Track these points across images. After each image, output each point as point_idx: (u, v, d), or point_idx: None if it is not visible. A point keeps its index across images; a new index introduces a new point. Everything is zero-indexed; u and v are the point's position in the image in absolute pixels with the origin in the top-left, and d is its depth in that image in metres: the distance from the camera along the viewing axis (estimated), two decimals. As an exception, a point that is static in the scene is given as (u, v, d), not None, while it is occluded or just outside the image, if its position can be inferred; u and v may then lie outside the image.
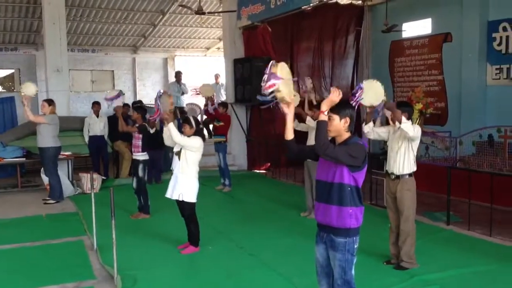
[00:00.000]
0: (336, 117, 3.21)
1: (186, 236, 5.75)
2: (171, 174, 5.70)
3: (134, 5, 14.08)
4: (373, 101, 4.82)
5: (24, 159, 9.35)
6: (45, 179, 8.62)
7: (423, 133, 5.50)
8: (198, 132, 5.60)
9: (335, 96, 3.17)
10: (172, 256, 5.57)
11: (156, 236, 6.30)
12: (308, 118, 6.92)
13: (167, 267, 5.23)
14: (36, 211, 7.76)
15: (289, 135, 3.25)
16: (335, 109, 3.22)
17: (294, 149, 3.33)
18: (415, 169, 5.02)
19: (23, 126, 10.30)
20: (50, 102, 8.33)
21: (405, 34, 11.29)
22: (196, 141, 5.50)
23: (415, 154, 5.05)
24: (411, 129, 4.80)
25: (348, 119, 3.22)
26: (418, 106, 8.99)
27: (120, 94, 7.76)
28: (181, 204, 5.61)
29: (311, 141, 6.88)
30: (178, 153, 5.55)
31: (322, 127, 3.12)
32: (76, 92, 16.84)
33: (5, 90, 16.56)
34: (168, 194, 5.64)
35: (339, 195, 3.15)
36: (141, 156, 7.15)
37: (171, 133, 5.44)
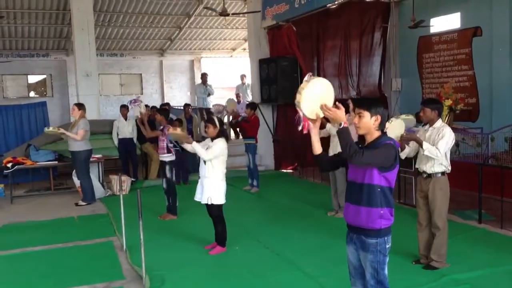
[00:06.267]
0: (367, 114, 3.12)
1: (213, 237, 5.79)
2: (199, 176, 5.74)
3: (160, 9, 14.28)
4: (399, 132, 4.83)
5: (57, 162, 9.56)
6: (77, 181, 8.81)
7: (454, 129, 5.37)
8: (222, 132, 5.62)
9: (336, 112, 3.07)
10: (200, 256, 5.61)
11: (183, 236, 6.36)
12: (329, 125, 6.87)
13: (194, 267, 5.28)
14: (68, 213, 7.94)
15: (317, 149, 3.25)
16: (366, 105, 3.15)
17: (325, 162, 3.35)
18: (449, 169, 4.91)
19: (55, 130, 10.57)
20: (80, 106, 8.49)
21: (433, 30, 11.07)
22: (220, 146, 5.49)
23: (448, 154, 4.94)
24: (435, 152, 4.73)
25: (379, 117, 3.13)
26: (448, 102, 8.80)
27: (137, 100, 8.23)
28: (210, 206, 5.64)
29: (333, 147, 6.81)
30: None
31: (346, 134, 3.03)
32: (105, 95, 17.20)
33: (37, 95, 17.02)
34: (197, 198, 5.68)
35: (369, 196, 3.09)
36: (167, 157, 7.24)
37: (198, 153, 5.49)
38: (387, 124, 4.59)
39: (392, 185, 3.16)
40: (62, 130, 8.43)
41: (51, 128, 8.54)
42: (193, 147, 5.52)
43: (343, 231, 3.36)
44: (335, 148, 6.60)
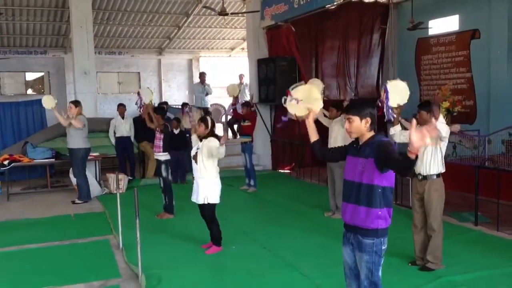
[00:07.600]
0: (356, 118, 3.15)
1: (209, 236, 5.79)
2: (192, 177, 5.74)
3: (159, 8, 14.25)
4: (399, 100, 4.72)
5: (54, 160, 9.53)
6: (74, 179, 8.78)
7: (451, 132, 5.39)
8: (211, 134, 5.60)
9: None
10: (196, 255, 5.61)
11: (180, 235, 6.36)
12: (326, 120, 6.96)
13: (191, 266, 5.28)
14: (65, 211, 7.93)
15: (313, 137, 3.48)
16: (354, 110, 3.17)
17: (319, 151, 3.51)
18: (443, 170, 4.92)
19: (52, 128, 10.54)
20: (76, 103, 8.45)
21: (431, 32, 11.10)
22: (216, 143, 5.50)
23: (443, 154, 4.96)
24: (446, 129, 4.73)
25: (369, 119, 3.15)
26: (445, 104, 8.84)
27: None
28: (203, 206, 5.64)
29: (332, 141, 6.81)
30: (195, 157, 5.58)
31: (411, 164, 2.79)
32: (103, 93, 17.16)
33: (35, 93, 16.98)
34: (194, 199, 5.68)
35: (369, 196, 3.09)
36: (162, 156, 7.24)
37: (220, 151, 5.42)
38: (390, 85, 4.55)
39: (393, 185, 3.18)
40: (57, 112, 8.16)
41: (51, 98, 8.33)
42: (219, 148, 5.44)
43: (340, 232, 3.37)
44: (334, 142, 6.66)
